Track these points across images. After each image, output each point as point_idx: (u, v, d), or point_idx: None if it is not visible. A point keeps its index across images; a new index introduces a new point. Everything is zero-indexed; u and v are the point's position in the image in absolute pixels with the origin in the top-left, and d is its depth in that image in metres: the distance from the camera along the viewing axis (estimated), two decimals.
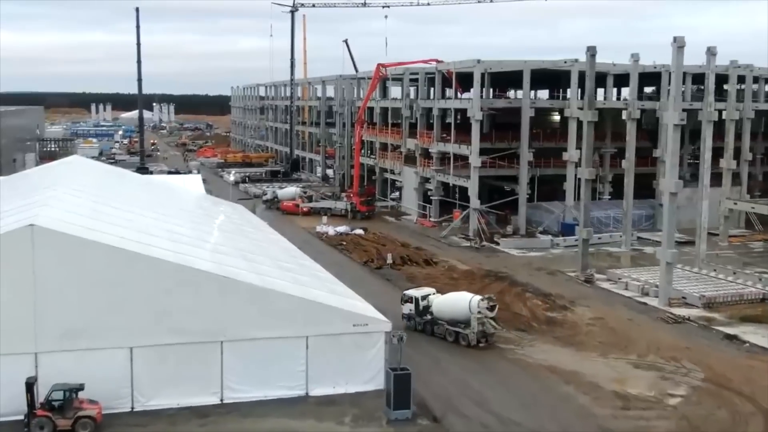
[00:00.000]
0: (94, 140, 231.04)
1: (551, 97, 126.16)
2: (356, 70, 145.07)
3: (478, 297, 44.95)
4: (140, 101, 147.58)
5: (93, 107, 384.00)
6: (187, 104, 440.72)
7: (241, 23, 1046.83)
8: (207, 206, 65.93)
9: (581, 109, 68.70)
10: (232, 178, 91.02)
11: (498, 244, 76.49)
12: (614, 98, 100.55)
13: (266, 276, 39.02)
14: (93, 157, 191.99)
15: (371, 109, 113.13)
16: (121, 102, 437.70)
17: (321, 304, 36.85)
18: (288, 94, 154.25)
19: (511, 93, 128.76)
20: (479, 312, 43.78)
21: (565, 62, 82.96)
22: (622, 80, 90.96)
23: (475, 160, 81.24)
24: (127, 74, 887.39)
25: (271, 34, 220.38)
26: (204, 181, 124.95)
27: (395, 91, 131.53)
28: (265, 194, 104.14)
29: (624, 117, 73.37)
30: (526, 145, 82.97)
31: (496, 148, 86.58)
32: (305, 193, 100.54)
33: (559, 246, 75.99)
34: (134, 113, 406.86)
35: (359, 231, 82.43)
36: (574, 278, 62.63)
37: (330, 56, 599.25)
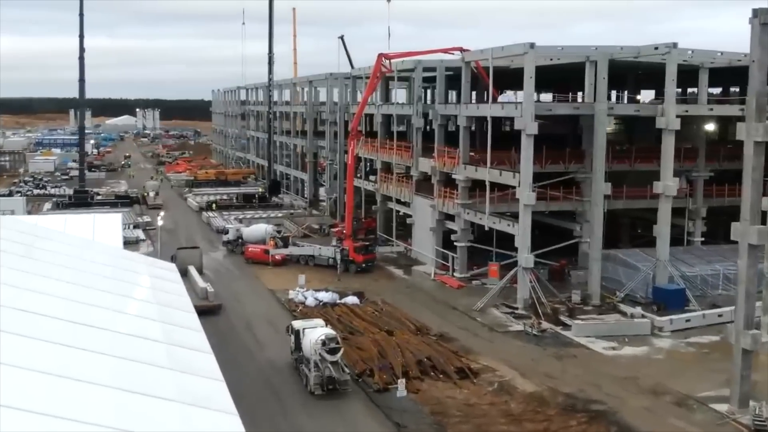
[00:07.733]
0: (58, 151, 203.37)
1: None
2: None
3: (324, 334, 38.52)
4: (81, 108, 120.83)
5: (72, 113, 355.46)
6: (180, 109, 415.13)
7: (244, 27, 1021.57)
8: (98, 290, 37.89)
9: (719, 118, 41.53)
10: (160, 221, 63.66)
11: (568, 327, 49.25)
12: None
13: None
14: (47, 173, 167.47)
15: (370, 117, 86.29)
16: (110, 107, 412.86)
17: None
18: (275, 98, 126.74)
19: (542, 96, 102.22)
20: (319, 353, 37.87)
21: (656, 48, 56.47)
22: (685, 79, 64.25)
23: (526, 196, 54.24)
24: (124, 78, 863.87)
25: (243, 22, 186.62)
26: (159, 207, 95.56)
27: (402, 94, 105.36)
28: (227, 233, 76.45)
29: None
30: (602, 170, 56.17)
31: (548, 172, 59.89)
32: (279, 233, 72.77)
33: (664, 332, 48.58)
34: (118, 119, 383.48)
35: (352, 299, 55.40)
36: (731, 422, 35.35)
37: (332, 62, 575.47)
